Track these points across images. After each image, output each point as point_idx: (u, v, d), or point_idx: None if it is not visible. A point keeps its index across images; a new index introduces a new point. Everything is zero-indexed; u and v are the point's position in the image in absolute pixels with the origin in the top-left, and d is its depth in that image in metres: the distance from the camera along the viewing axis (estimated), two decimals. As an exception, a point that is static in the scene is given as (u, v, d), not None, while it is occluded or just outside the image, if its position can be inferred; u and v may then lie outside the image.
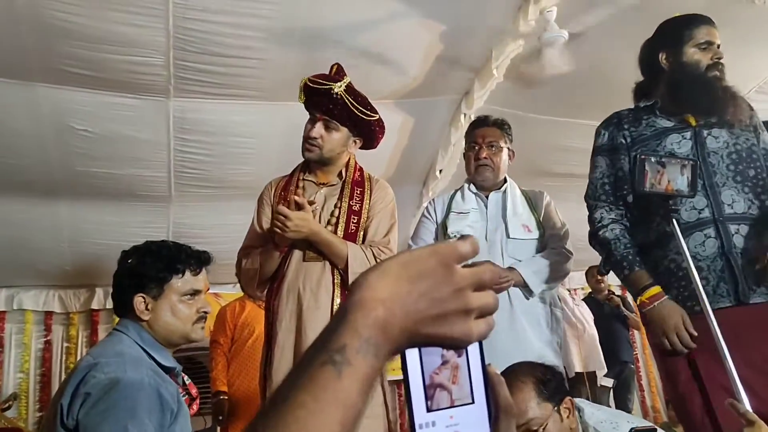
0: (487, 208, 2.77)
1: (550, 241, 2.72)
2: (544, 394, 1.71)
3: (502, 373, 1.79)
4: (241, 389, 3.65)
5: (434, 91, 4.08)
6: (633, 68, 3.89)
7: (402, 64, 3.76)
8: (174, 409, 1.62)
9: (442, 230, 2.75)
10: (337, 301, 2.25)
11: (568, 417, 1.74)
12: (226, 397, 3.76)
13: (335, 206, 2.36)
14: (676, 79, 2.18)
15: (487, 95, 3.96)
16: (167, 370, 1.76)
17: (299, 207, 2.23)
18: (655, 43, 2.31)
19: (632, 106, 2.34)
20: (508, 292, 2.58)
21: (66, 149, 3.90)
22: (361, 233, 2.34)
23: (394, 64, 3.73)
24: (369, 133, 2.42)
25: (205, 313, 1.85)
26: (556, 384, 1.76)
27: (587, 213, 2.29)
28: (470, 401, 0.64)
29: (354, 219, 2.33)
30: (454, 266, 0.61)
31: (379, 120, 2.41)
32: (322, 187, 2.41)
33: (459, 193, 2.84)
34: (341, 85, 2.30)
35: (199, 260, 1.88)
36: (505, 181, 2.86)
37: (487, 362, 0.65)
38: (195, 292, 1.83)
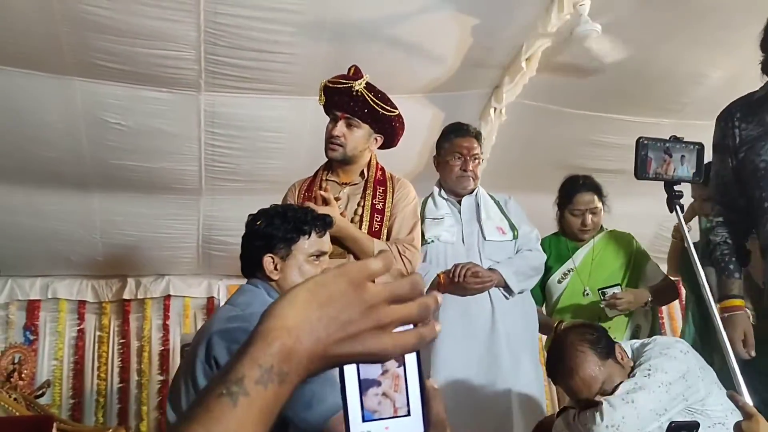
0: (461, 213, 2.82)
1: (524, 243, 2.79)
2: (603, 353, 1.82)
3: (554, 343, 1.92)
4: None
5: (464, 85, 4.05)
6: (668, 61, 3.84)
7: (433, 58, 3.73)
8: None
9: None
10: None
11: (623, 359, 1.87)
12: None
13: (358, 205, 2.38)
14: None
15: (519, 89, 3.91)
16: None
17: (325, 203, 2.23)
18: None
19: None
20: (490, 293, 2.65)
21: (99, 142, 3.94)
22: (385, 231, 2.35)
23: (425, 58, 3.70)
24: (390, 129, 2.44)
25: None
26: (604, 338, 1.88)
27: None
28: (406, 413, 0.63)
29: (377, 217, 2.34)
30: (365, 284, 0.61)
31: (399, 116, 2.44)
32: (344, 187, 2.43)
33: (430, 200, 2.90)
34: (361, 83, 2.33)
35: (324, 223, 1.93)
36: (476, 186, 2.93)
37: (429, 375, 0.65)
38: (321, 254, 1.89)
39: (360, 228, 2.31)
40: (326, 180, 2.44)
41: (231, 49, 3.38)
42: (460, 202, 2.86)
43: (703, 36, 3.59)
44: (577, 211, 2.97)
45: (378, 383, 0.64)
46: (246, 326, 1.60)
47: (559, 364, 1.87)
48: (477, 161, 2.88)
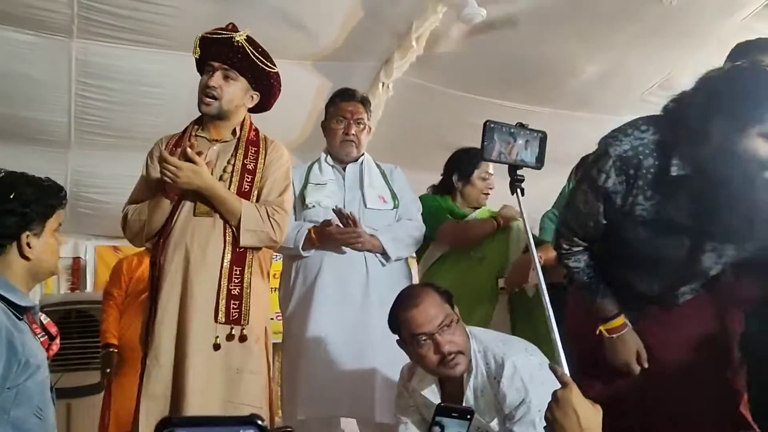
0: (344, 179, 2.85)
1: (405, 213, 2.86)
2: (443, 298, 1.99)
3: (403, 290, 2.06)
4: (131, 342, 3.55)
5: (354, 57, 4.03)
6: (555, 52, 3.98)
7: (322, 26, 3.69)
8: (25, 361, 1.55)
9: (300, 201, 2.79)
10: (228, 258, 2.20)
11: (458, 322, 1.99)
12: (116, 350, 3.71)
13: (228, 163, 2.32)
14: None
15: (406, 66, 3.94)
16: (24, 311, 1.68)
17: (189, 161, 2.17)
18: None
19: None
20: (365, 259, 2.68)
21: (-48, 83, 3.63)
22: (255, 193, 2.31)
23: (313, 25, 3.65)
24: (267, 87, 2.39)
25: (59, 245, 1.84)
26: (447, 292, 2.04)
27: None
28: None
29: (248, 178, 2.29)
30: None
31: (278, 75, 2.39)
32: (215, 144, 2.35)
33: (316, 165, 2.90)
34: (242, 35, 2.27)
35: (66, 194, 1.84)
36: (362, 153, 2.95)
37: None
38: (59, 225, 1.81)
39: (228, 187, 2.25)
40: (195, 135, 2.35)
41: (108, -6, 3.19)
42: (345, 169, 2.86)
43: (583, 31, 3.76)
44: (486, 174, 3.14)
45: None
46: None
47: (403, 300, 1.99)
48: (361, 126, 2.86)
